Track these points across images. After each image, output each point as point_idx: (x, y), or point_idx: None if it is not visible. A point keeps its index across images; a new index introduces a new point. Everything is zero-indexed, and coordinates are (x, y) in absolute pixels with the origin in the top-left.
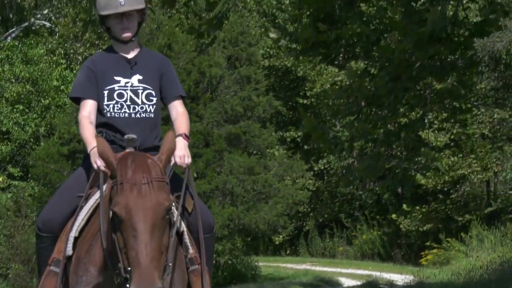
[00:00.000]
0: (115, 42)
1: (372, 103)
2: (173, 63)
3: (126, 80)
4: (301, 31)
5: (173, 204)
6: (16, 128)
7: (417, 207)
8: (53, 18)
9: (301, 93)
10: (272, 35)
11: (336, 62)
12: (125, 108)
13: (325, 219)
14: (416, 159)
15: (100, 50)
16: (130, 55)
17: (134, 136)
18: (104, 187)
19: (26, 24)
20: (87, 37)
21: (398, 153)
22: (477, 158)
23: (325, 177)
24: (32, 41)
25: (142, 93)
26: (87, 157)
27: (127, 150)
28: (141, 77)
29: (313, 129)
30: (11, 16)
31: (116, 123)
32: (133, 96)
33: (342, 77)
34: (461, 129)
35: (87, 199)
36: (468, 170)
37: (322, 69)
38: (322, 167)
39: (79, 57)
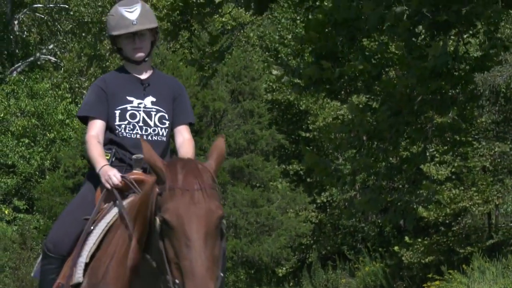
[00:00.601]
0: (127, 62)
1: (374, 137)
2: None
3: (139, 101)
4: (304, 68)
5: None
6: (21, 162)
7: (419, 240)
8: (58, 53)
9: (303, 127)
10: (274, 72)
11: (338, 96)
12: (137, 129)
13: (328, 251)
14: (418, 192)
15: (112, 71)
16: (143, 76)
17: (142, 156)
18: (122, 204)
19: (32, 59)
20: (92, 72)
21: (400, 186)
22: (479, 191)
23: (328, 210)
24: (38, 76)
25: (155, 115)
26: (90, 176)
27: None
28: (154, 99)
29: (315, 164)
30: (16, 51)
31: (127, 143)
32: (146, 117)
33: (344, 111)
34: (462, 162)
35: (96, 222)
36: (470, 203)
37: (324, 103)
38: (325, 200)
39: (84, 91)
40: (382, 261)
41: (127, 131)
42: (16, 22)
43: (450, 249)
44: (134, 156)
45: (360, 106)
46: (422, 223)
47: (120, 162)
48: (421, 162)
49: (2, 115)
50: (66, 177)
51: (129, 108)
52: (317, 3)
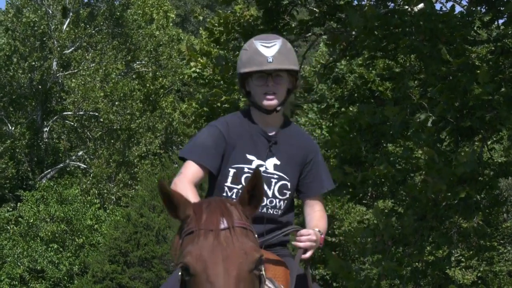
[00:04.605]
0: (254, 110)
1: (399, 241)
2: None
3: (260, 162)
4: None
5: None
6: (50, 267)
7: None
8: (87, 159)
9: (329, 232)
10: None
11: (364, 201)
12: None
13: None
14: None
15: (236, 113)
16: (271, 131)
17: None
18: None
19: (61, 165)
20: (120, 178)
21: None
22: None
23: None
24: (67, 182)
25: (275, 183)
26: None
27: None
28: (278, 162)
29: (340, 268)
30: (46, 157)
31: None
32: (264, 185)
33: (370, 215)
34: (488, 267)
35: None
36: None
37: (350, 208)
38: None
39: (113, 197)
40: None
41: None
42: (46, 129)
43: None
44: None
45: (386, 211)
46: None
47: None
48: (446, 266)
49: (31, 220)
50: (94, 282)
51: (246, 170)
52: (342, 109)
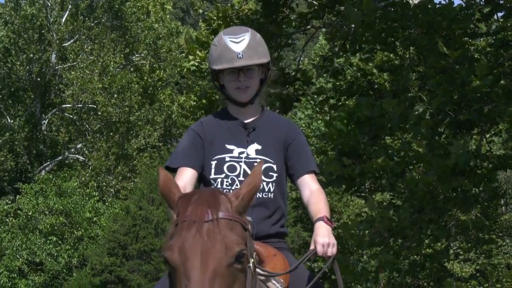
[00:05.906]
0: (230, 104)
1: (396, 234)
2: None
3: (241, 149)
4: (326, 165)
5: (249, 252)
6: (49, 259)
7: None
8: (86, 152)
9: None
10: None
11: (363, 194)
12: (237, 185)
13: None
14: None
15: (212, 113)
16: (248, 120)
17: (249, 218)
18: None
19: (60, 158)
20: (119, 170)
21: (425, 284)
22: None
23: None
24: (66, 174)
25: None
26: None
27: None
28: (259, 147)
29: (337, 261)
30: (45, 150)
31: None
32: (247, 170)
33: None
34: (487, 260)
35: None
36: None
37: (348, 201)
38: None
39: (111, 190)
40: None
41: (224, 186)
42: (44, 122)
43: None
44: None
45: (384, 203)
46: None
47: None
48: (444, 259)
49: (30, 213)
50: (93, 274)
51: (227, 159)
52: (341, 102)
